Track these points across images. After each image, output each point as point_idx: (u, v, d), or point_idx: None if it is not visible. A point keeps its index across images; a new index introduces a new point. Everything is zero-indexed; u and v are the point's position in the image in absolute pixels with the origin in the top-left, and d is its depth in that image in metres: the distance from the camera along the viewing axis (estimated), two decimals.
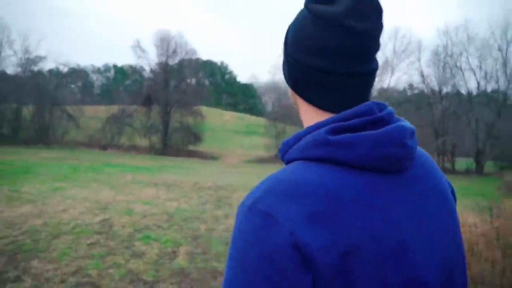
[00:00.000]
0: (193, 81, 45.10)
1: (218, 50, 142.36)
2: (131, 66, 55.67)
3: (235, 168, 25.42)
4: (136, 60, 58.75)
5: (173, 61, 40.04)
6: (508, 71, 32.87)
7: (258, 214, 0.64)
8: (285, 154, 0.78)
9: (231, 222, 7.96)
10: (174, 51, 39.54)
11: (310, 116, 0.79)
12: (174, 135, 38.40)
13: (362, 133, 0.68)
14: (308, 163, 0.70)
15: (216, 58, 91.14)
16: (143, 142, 36.96)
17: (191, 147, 37.80)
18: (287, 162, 0.77)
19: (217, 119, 55.91)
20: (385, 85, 36.82)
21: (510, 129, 30.49)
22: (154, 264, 5.17)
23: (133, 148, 35.18)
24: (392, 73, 36.02)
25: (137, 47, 39.80)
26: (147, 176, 15.46)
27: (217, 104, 74.42)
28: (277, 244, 0.61)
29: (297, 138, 0.76)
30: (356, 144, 0.67)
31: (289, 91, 0.86)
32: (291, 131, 36.64)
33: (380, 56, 41.89)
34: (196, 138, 38.57)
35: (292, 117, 36.23)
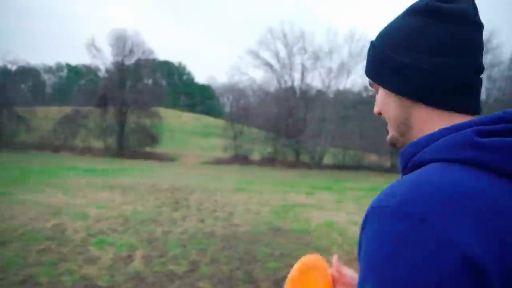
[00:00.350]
0: (150, 81, 44.26)
1: (175, 50, 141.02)
2: (85, 66, 53.94)
3: (193, 169, 25.21)
4: (90, 59, 56.99)
5: (129, 61, 39.11)
6: None
7: (410, 219, 0.56)
8: (414, 156, 0.72)
9: (189, 224, 7.89)
10: (131, 51, 38.66)
11: (436, 121, 0.74)
12: (130, 137, 37.54)
13: None
14: (450, 165, 0.64)
15: (174, 59, 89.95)
16: (98, 144, 35.91)
17: (148, 149, 37.08)
18: (419, 164, 0.70)
19: (174, 120, 55.20)
20: (341, 87, 37.58)
21: None
22: (108, 269, 5.04)
23: (88, 151, 34.13)
24: (348, 75, 36.78)
25: (92, 46, 38.64)
26: (102, 179, 15.07)
27: (175, 105, 73.53)
28: (444, 258, 0.53)
29: (431, 139, 0.70)
30: (507, 149, 0.62)
31: (388, 102, 0.81)
32: (249, 133, 36.77)
33: (336, 59, 42.75)
34: (153, 139, 37.90)
35: (250, 118, 36.35)
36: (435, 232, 0.54)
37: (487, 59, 33.09)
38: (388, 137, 0.87)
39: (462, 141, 0.65)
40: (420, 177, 0.63)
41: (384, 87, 0.81)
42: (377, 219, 0.60)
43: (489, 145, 0.63)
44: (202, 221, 8.32)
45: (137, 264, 5.26)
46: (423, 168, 0.67)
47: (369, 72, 0.85)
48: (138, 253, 5.72)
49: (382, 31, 0.83)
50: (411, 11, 0.77)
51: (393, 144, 0.87)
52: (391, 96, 0.80)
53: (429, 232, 0.55)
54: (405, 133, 0.80)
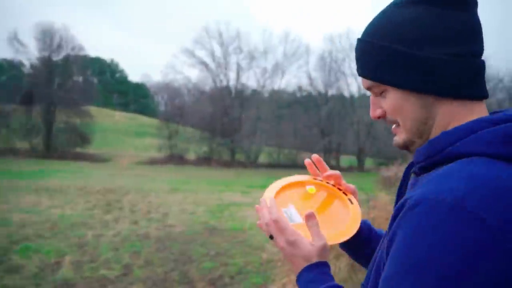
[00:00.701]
0: (81, 79, 42.38)
1: (107, 47, 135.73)
2: (6, 60, 50.46)
3: (126, 170, 24.49)
4: (13, 54, 53.39)
5: (57, 57, 37.11)
6: None
7: (467, 215, 0.55)
8: (450, 146, 0.67)
9: (121, 226, 7.67)
10: (59, 46, 36.64)
11: (460, 112, 0.71)
12: (59, 137, 35.66)
13: None
14: (495, 160, 0.62)
15: (106, 56, 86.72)
16: (22, 144, 33.78)
17: (78, 149, 35.45)
18: (456, 155, 0.66)
19: (107, 119, 53.26)
20: (276, 87, 38.21)
21: (385, 129, 33.61)
22: (34, 278, 4.77)
23: (11, 152, 31.95)
24: (283, 75, 37.47)
25: (14, 39, 36.24)
26: (26, 181, 14.21)
27: (107, 104, 70.88)
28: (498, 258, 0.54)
29: (470, 130, 0.66)
30: None
31: (403, 103, 0.74)
32: (184, 132, 36.34)
33: (270, 59, 43.38)
34: (84, 139, 36.31)
35: (185, 117, 35.93)
36: (493, 234, 0.54)
37: None
38: (400, 140, 0.79)
39: (505, 136, 0.63)
40: (472, 171, 0.60)
41: (399, 87, 0.73)
42: (432, 212, 0.57)
43: None
44: (135, 223, 8.12)
45: (65, 270, 5.02)
46: (467, 161, 0.63)
47: (373, 73, 0.77)
48: (67, 259, 5.47)
49: (379, 26, 0.76)
50: (413, 1, 0.71)
51: (406, 147, 0.79)
52: (408, 96, 0.73)
53: (488, 235, 0.54)
54: (424, 133, 0.74)
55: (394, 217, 0.64)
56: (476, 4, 0.72)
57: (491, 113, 0.73)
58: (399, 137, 0.79)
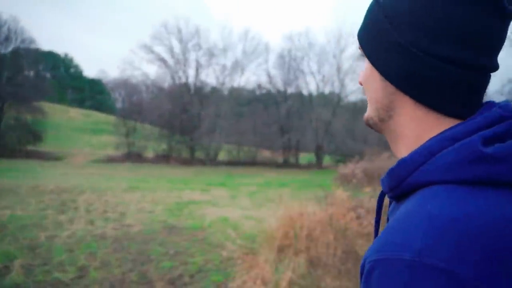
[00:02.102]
0: (32, 73, 40.70)
1: (61, 41, 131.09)
2: None
3: (82, 168, 23.79)
4: None
5: (5, 49, 35.45)
6: (341, 76, 36.89)
7: (432, 272, 0.45)
8: (409, 176, 0.57)
9: (76, 227, 7.44)
10: (7, 38, 34.96)
11: (424, 123, 0.61)
12: (8, 134, 34.08)
13: None
14: (460, 188, 0.52)
15: (59, 50, 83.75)
16: None
17: (29, 147, 34.07)
18: (416, 186, 0.56)
19: (61, 116, 51.61)
20: (235, 84, 38.20)
21: (342, 127, 34.36)
22: None
23: None
24: (242, 73, 37.53)
25: None
26: None
27: (61, 100, 68.64)
28: None
29: (428, 152, 0.56)
30: None
31: (371, 77, 0.67)
32: (142, 129, 35.71)
33: (230, 56, 43.32)
34: (36, 137, 34.95)
35: (143, 114, 35.29)
36: None
37: None
38: (365, 115, 0.72)
39: (472, 155, 0.52)
40: (431, 212, 0.49)
41: (368, 58, 0.67)
42: (390, 276, 0.47)
43: (499, 157, 0.52)
44: (91, 223, 7.89)
45: (15, 275, 4.80)
46: (427, 194, 0.53)
47: (360, 35, 0.70)
48: (17, 263, 5.23)
49: None
50: None
51: (369, 125, 0.72)
52: (375, 73, 0.66)
53: None
54: (384, 121, 0.67)
55: (360, 276, 0.54)
56: (503, 7, 0.56)
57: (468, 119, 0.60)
58: (366, 112, 0.72)
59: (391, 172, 0.61)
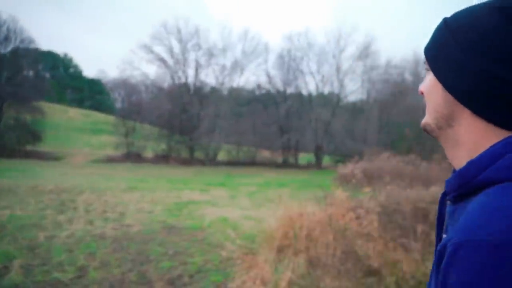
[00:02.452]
0: (31, 73, 40.64)
1: (61, 41, 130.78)
2: None
3: (81, 168, 23.78)
4: None
5: (4, 49, 35.38)
6: (340, 76, 36.90)
7: None
8: (479, 174, 0.65)
9: (76, 227, 7.43)
10: (6, 38, 34.90)
11: (483, 133, 0.69)
12: (7, 134, 34.04)
13: None
14: None
15: (59, 50, 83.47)
16: None
17: (29, 147, 34.05)
18: (486, 184, 0.64)
19: (60, 116, 51.58)
20: (235, 85, 38.18)
21: (342, 127, 34.37)
22: None
23: None
24: (242, 73, 37.48)
25: None
26: None
27: (60, 100, 68.52)
28: None
29: (495, 155, 0.65)
30: None
31: (433, 88, 0.76)
32: (141, 129, 35.70)
33: (229, 57, 43.31)
34: (35, 137, 34.92)
35: (142, 114, 35.28)
36: None
37: (367, 63, 36.07)
38: (423, 121, 0.82)
39: None
40: (508, 201, 0.57)
41: (432, 71, 0.76)
42: (477, 256, 0.53)
43: None
44: (91, 223, 7.89)
45: (14, 275, 4.79)
46: (499, 189, 0.61)
47: (427, 52, 0.79)
48: (16, 263, 5.22)
49: (460, 15, 0.74)
50: (494, 8, 0.68)
51: (426, 130, 0.82)
52: (438, 85, 0.75)
53: None
54: (442, 128, 0.76)
55: (437, 263, 0.61)
56: None
57: None
58: (424, 119, 0.81)
59: (461, 172, 0.69)
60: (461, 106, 0.71)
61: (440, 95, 0.74)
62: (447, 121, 0.74)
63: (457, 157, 0.76)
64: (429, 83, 0.78)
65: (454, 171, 0.79)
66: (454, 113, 0.73)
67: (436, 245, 0.80)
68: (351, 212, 5.28)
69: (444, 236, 0.76)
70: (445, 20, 0.76)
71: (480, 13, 0.69)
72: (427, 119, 0.80)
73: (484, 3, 0.71)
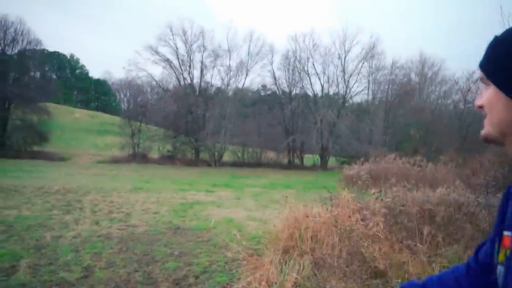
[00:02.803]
0: (38, 74, 40.85)
1: (67, 42, 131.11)
2: None
3: (87, 169, 23.89)
4: None
5: (12, 51, 35.60)
6: (346, 77, 36.83)
7: None
8: None
9: (82, 227, 7.47)
10: (14, 39, 35.14)
11: None
12: (14, 135, 34.30)
13: None
14: None
15: (65, 51, 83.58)
16: None
17: (35, 148, 34.27)
18: None
19: (66, 117, 51.80)
20: (240, 86, 38.19)
21: (347, 128, 34.30)
22: None
23: None
24: (247, 74, 37.47)
25: None
26: None
27: (67, 100, 68.92)
28: None
29: None
30: None
31: (496, 101, 0.81)
32: (147, 130, 35.81)
33: (235, 58, 43.38)
34: (42, 137, 35.12)
35: (148, 115, 35.38)
36: None
37: (373, 63, 35.96)
38: (484, 132, 0.87)
39: None
40: None
41: (496, 85, 0.81)
42: None
43: None
44: (97, 223, 7.92)
45: (22, 275, 4.82)
46: None
47: (485, 67, 0.85)
48: (23, 262, 5.25)
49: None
50: None
51: (487, 140, 0.87)
52: (500, 96, 0.80)
53: None
54: (507, 135, 0.81)
55: None
56: None
57: None
58: (484, 130, 0.86)
59: None
60: None
61: (503, 103, 0.79)
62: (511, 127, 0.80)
63: None
64: (489, 95, 0.83)
65: None
66: None
67: (494, 238, 0.90)
68: (356, 213, 5.27)
69: (509, 233, 0.83)
70: (500, 37, 0.82)
71: None
72: (490, 130, 0.85)
73: None
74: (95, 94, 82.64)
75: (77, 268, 5.11)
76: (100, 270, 5.09)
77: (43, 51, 40.71)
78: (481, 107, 0.86)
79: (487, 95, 0.84)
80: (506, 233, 0.84)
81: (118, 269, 5.16)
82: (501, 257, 0.85)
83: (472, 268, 1.03)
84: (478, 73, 0.87)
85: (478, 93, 0.89)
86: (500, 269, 0.85)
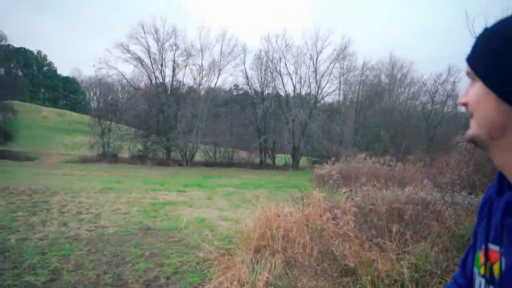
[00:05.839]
0: (3, 71, 39.57)
1: (34, 38, 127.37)
2: None
3: (55, 169, 23.29)
4: None
5: None
6: (317, 78, 37.19)
7: None
8: None
9: (49, 229, 7.28)
10: None
11: None
12: None
13: None
14: None
15: (32, 47, 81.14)
16: None
17: (0, 147, 33.23)
18: None
19: (33, 115, 50.44)
20: (212, 85, 38.01)
21: (319, 128, 34.67)
22: None
23: None
24: (219, 73, 37.31)
25: None
26: None
27: (34, 98, 67.10)
28: None
29: None
30: None
31: (483, 99, 0.75)
32: (117, 129, 35.22)
33: (207, 57, 43.13)
34: (7, 136, 34.09)
35: (118, 114, 34.80)
36: None
37: (344, 64, 36.43)
38: (470, 133, 0.80)
39: None
40: None
41: (484, 81, 0.74)
42: None
43: None
44: (64, 224, 7.74)
45: None
46: None
47: (474, 63, 0.78)
48: None
49: (503, 23, 0.74)
50: None
51: (473, 141, 0.80)
52: (489, 94, 0.73)
53: None
54: (496, 139, 0.74)
55: None
56: None
57: None
58: (470, 131, 0.80)
59: None
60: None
61: (493, 105, 0.73)
62: (501, 131, 0.73)
63: (510, 166, 0.75)
64: (477, 93, 0.76)
65: (499, 178, 0.80)
66: (509, 122, 0.71)
67: (474, 247, 0.88)
68: (327, 212, 5.33)
69: (494, 247, 0.77)
70: (489, 29, 0.76)
71: None
72: (476, 131, 0.78)
73: None
74: (63, 92, 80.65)
75: (44, 271, 4.98)
76: (68, 272, 4.98)
77: (8, 46, 39.49)
78: (465, 104, 0.80)
79: (473, 91, 0.78)
80: (492, 246, 0.78)
81: (87, 271, 5.05)
82: (483, 270, 0.80)
83: (463, 286, 0.98)
84: (465, 68, 0.81)
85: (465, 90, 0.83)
86: (481, 281, 0.81)
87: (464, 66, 0.82)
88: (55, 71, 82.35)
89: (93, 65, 44.69)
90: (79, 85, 79.12)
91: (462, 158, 8.76)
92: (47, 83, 78.73)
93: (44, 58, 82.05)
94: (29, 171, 20.12)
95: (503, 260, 0.71)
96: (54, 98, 78.51)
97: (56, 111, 60.21)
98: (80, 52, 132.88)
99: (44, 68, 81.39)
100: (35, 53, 79.73)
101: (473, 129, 0.79)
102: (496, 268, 0.75)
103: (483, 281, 0.80)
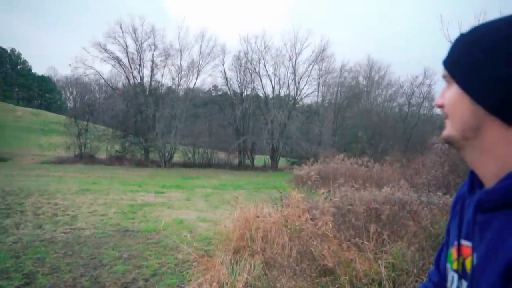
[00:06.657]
0: None
1: (7, 35, 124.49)
2: None
3: (30, 170, 22.79)
4: None
5: None
6: (296, 79, 37.39)
7: None
8: None
9: (23, 231, 7.12)
10: None
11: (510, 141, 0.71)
12: None
13: None
14: None
15: (5, 44, 79.02)
16: None
17: None
18: None
19: (7, 114, 49.28)
20: (191, 85, 37.81)
21: (297, 129, 34.87)
22: None
23: None
24: (198, 74, 37.14)
25: None
26: None
27: (7, 97, 65.53)
28: None
29: None
30: None
31: (459, 102, 0.77)
32: (94, 130, 34.70)
33: (186, 57, 42.91)
34: None
35: (95, 114, 34.29)
36: None
37: (323, 66, 36.74)
38: (445, 134, 0.83)
39: None
40: None
41: (459, 85, 0.77)
42: None
43: None
44: (40, 227, 7.58)
45: None
46: None
47: (449, 65, 0.81)
48: None
49: (482, 29, 0.76)
50: None
51: (448, 142, 0.83)
52: (465, 98, 0.76)
53: None
54: (468, 139, 0.77)
55: (506, 276, 0.65)
56: None
57: None
58: (445, 131, 0.83)
59: (508, 185, 0.69)
60: (491, 116, 0.72)
61: (468, 107, 0.75)
62: (475, 132, 0.75)
63: (484, 165, 0.77)
64: (452, 96, 0.79)
65: (471, 177, 0.83)
66: (483, 123, 0.73)
67: (447, 244, 0.91)
68: (306, 213, 5.36)
69: (466, 243, 0.80)
70: (465, 35, 0.79)
71: (505, 24, 0.72)
72: (451, 131, 0.81)
73: (507, 16, 0.73)
74: (38, 91, 78.95)
75: (17, 275, 4.87)
76: (43, 276, 4.88)
77: None
78: (441, 106, 0.83)
79: (449, 94, 0.81)
80: (464, 242, 0.81)
81: (63, 274, 4.96)
82: (455, 265, 0.84)
83: (437, 283, 1.02)
84: (442, 71, 0.84)
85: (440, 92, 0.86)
86: (453, 276, 0.84)
87: (439, 69, 0.85)
88: (29, 69, 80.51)
89: (70, 64, 43.97)
90: (55, 85, 77.63)
91: (438, 159, 8.96)
92: (21, 82, 76.91)
93: (18, 56, 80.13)
94: (2, 172, 19.64)
95: (475, 254, 0.74)
96: (28, 98, 76.81)
97: (31, 111, 58.89)
98: (56, 50, 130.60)
99: (18, 67, 79.46)
100: (9, 51, 77.82)
101: (448, 130, 0.82)
102: (468, 263, 0.79)
103: (455, 275, 0.83)
